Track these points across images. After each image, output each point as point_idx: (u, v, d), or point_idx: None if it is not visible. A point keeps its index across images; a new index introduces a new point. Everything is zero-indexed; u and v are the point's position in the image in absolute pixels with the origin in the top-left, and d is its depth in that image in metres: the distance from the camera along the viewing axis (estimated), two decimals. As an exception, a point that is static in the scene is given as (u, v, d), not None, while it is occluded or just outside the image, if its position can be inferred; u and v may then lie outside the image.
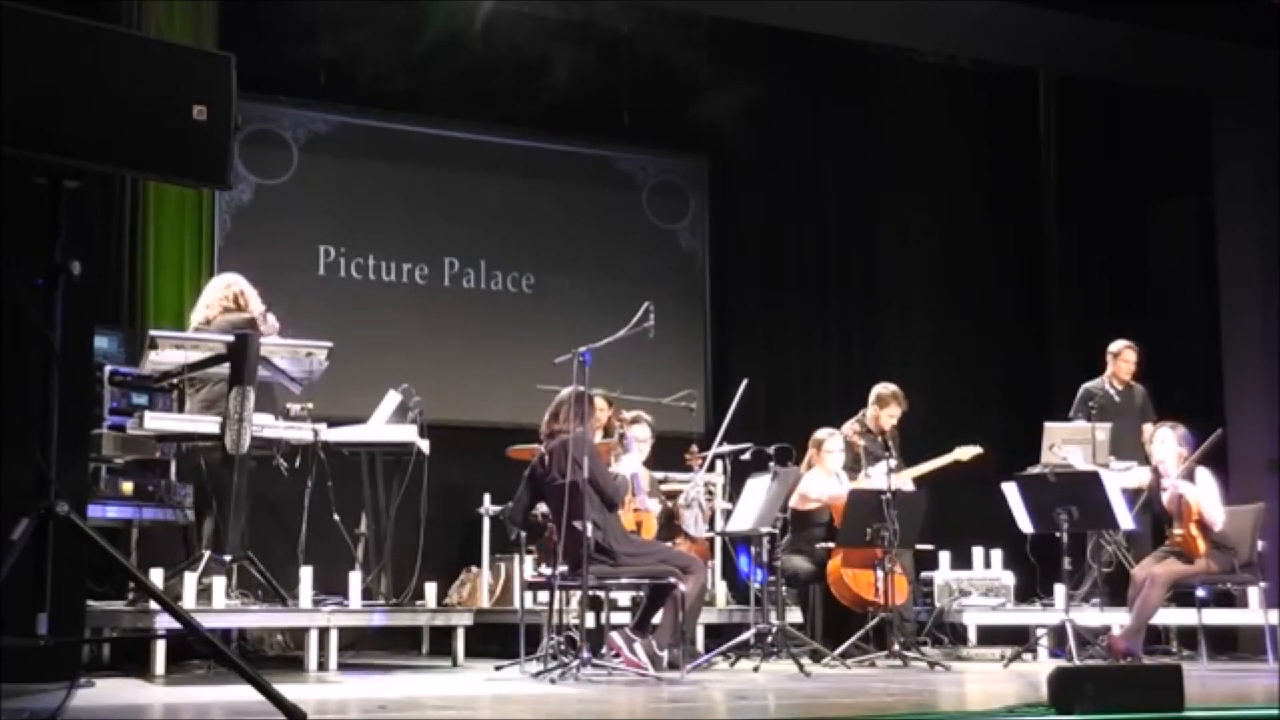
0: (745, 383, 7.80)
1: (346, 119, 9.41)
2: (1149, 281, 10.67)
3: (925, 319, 10.51)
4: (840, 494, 7.41)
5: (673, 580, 5.87)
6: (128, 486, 6.85)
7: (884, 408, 8.02)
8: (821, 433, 7.72)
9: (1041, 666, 6.67)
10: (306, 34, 8.60)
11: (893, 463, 7.36)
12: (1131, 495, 7.35)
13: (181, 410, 6.53)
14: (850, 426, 8.00)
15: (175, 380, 6.41)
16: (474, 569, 8.16)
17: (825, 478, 7.59)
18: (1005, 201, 10.81)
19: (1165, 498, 7.12)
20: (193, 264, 8.38)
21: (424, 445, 6.91)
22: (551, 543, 6.04)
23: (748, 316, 10.40)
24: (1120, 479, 7.20)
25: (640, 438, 7.28)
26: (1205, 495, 7.06)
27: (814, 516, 7.57)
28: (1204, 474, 7.14)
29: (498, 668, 6.31)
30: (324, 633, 6.15)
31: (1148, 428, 7.98)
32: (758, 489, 6.97)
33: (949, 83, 10.66)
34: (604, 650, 5.87)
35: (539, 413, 8.12)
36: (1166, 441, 7.25)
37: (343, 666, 6.24)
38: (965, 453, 8.08)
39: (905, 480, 7.79)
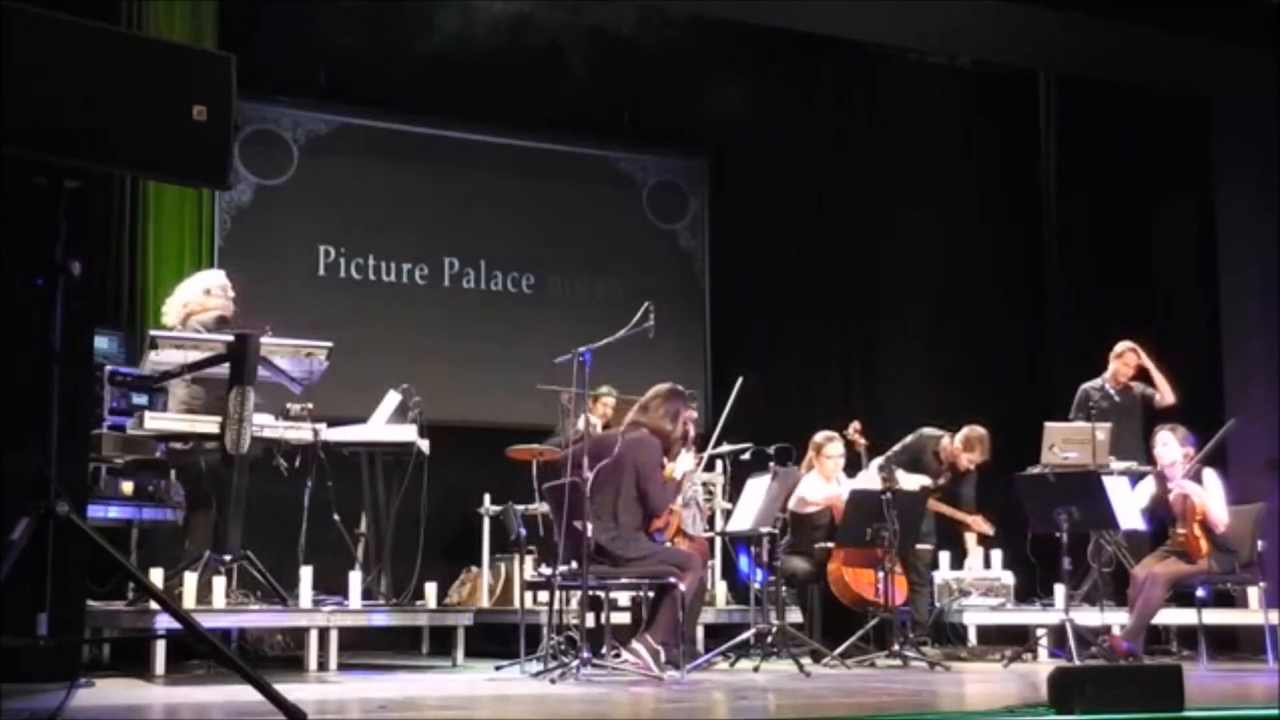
0: (740, 381, 7.80)
1: (346, 119, 9.42)
2: (1149, 282, 10.65)
3: (925, 319, 10.51)
4: (840, 496, 7.40)
5: (673, 580, 5.87)
6: (128, 486, 6.84)
7: (968, 450, 8.12)
8: (820, 436, 7.72)
9: (1041, 666, 6.66)
10: (306, 34, 8.61)
11: (926, 481, 7.69)
12: (1149, 511, 7.36)
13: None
14: (934, 439, 8.09)
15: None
16: (474, 569, 8.17)
17: (824, 482, 7.59)
18: (1005, 202, 10.81)
19: (1171, 497, 7.12)
20: (193, 265, 8.36)
21: (424, 445, 6.91)
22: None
23: (748, 316, 10.40)
24: (1135, 499, 7.19)
25: None
26: (1211, 496, 7.06)
27: (814, 519, 7.57)
28: (1210, 475, 7.14)
29: (498, 668, 6.31)
30: (324, 633, 6.15)
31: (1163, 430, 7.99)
32: (757, 489, 6.96)
33: (949, 83, 10.67)
34: (604, 650, 5.87)
35: (539, 413, 8.19)
36: (1169, 444, 7.24)
37: (343, 666, 6.24)
38: (979, 525, 8.20)
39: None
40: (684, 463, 6.44)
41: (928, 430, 8.21)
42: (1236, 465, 8.91)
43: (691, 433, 6.49)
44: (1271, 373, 9.40)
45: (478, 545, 8.11)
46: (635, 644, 5.78)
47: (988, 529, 8.23)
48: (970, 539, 8.39)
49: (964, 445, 8.13)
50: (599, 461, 5.83)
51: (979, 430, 8.16)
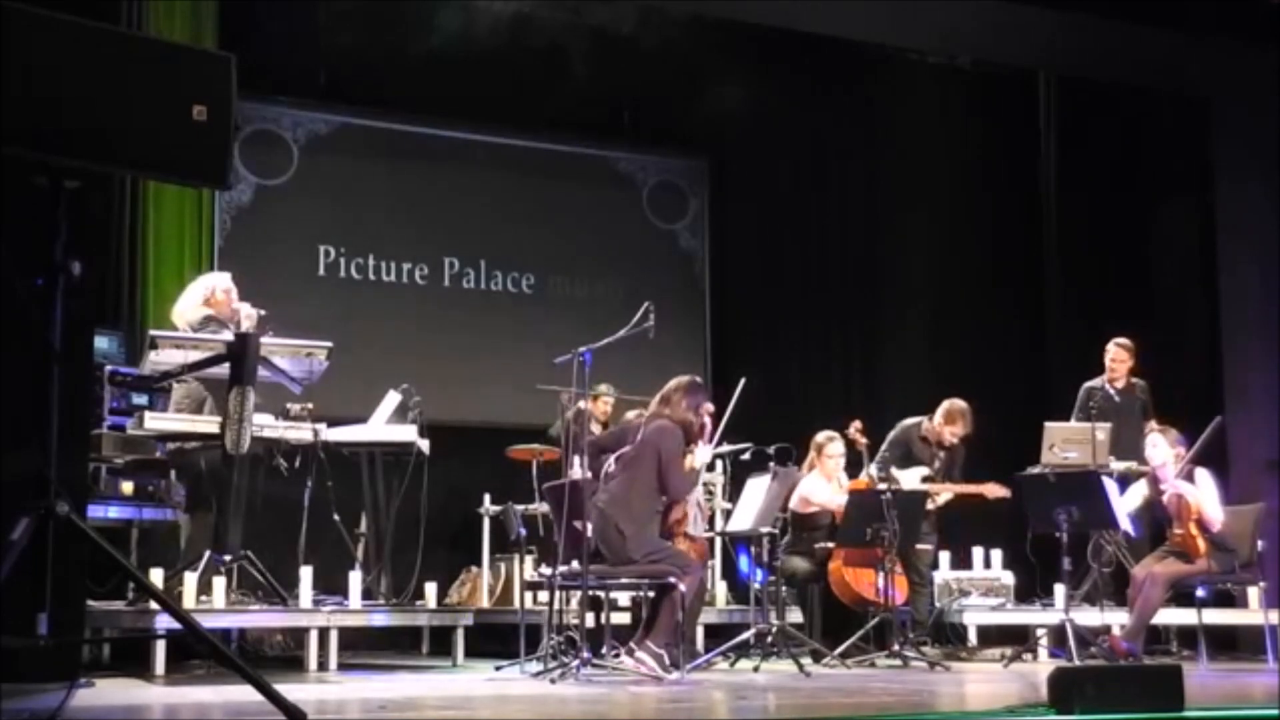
0: (743, 382, 7.79)
1: (346, 119, 9.42)
2: (1149, 282, 10.65)
3: (925, 319, 10.51)
4: (842, 501, 7.39)
5: (673, 580, 5.86)
6: (128, 486, 6.85)
7: (950, 424, 8.03)
8: (821, 436, 7.71)
9: (1041, 666, 6.67)
10: (306, 34, 8.61)
11: (925, 471, 7.64)
12: (1137, 514, 7.35)
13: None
14: (915, 426, 8.07)
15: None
16: (474, 569, 8.17)
17: (826, 482, 7.58)
18: (1005, 202, 10.81)
19: (1165, 498, 7.12)
20: (193, 265, 8.38)
21: (424, 445, 6.91)
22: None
23: (748, 316, 10.40)
24: (1125, 503, 7.19)
25: None
26: (1205, 495, 7.06)
27: (815, 519, 7.56)
28: (1203, 474, 7.13)
29: (498, 668, 6.32)
30: (324, 633, 6.15)
31: (1151, 424, 7.97)
32: (757, 489, 6.96)
33: (949, 83, 10.67)
34: (604, 650, 5.87)
35: (539, 413, 8.19)
36: (1160, 445, 7.24)
37: (343, 666, 6.24)
38: (993, 491, 8.10)
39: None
40: (702, 455, 6.44)
41: (906, 420, 8.13)
42: (1236, 465, 8.91)
43: (709, 425, 6.51)
44: (1271, 373, 9.39)
45: (478, 545, 8.11)
46: (639, 652, 5.77)
47: (1003, 492, 8.09)
48: (942, 498, 8.27)
49: (945, 419, 8.05)
50: (620, 448, 5.86)
51: (959, 403, 8.09)
